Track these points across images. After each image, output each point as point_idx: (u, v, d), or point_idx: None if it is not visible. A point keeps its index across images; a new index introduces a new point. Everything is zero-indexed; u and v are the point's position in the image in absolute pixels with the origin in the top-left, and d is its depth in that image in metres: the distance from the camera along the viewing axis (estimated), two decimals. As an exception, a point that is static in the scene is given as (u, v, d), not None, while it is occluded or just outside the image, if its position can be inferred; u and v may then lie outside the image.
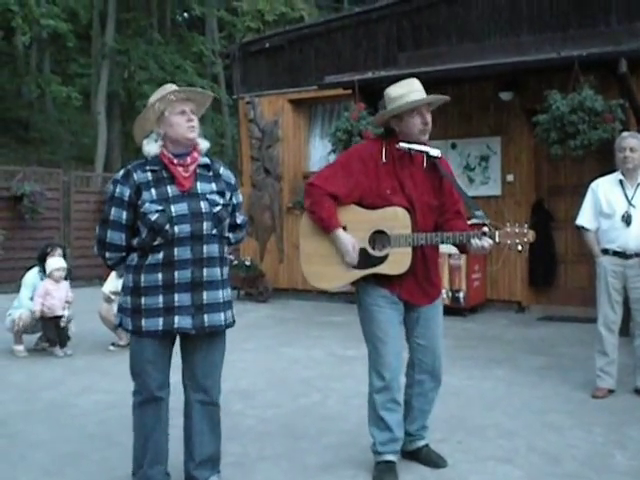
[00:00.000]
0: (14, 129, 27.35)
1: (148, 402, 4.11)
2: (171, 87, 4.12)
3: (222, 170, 4.25)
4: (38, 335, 8.85)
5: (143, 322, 3.99)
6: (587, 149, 9.10)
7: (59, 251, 8.81)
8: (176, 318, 3.97)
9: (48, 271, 8.54)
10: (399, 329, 4.61)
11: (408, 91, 4.50)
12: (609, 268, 6.36)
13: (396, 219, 4.43)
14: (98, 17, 27.33)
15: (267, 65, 14.00)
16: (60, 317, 8.43)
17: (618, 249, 6.29)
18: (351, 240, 4.44)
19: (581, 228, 6.58)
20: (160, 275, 3.95)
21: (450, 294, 10.71)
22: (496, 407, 6.12)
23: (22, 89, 28.49)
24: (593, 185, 6.59)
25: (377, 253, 4.45)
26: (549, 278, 11.44)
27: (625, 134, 6.52)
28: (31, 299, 8.52)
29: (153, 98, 4.10)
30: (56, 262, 8.63)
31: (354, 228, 4.47)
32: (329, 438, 5.34)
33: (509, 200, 11.26)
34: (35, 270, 8.77)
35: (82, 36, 28.50)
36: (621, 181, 6.35)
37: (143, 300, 3.98)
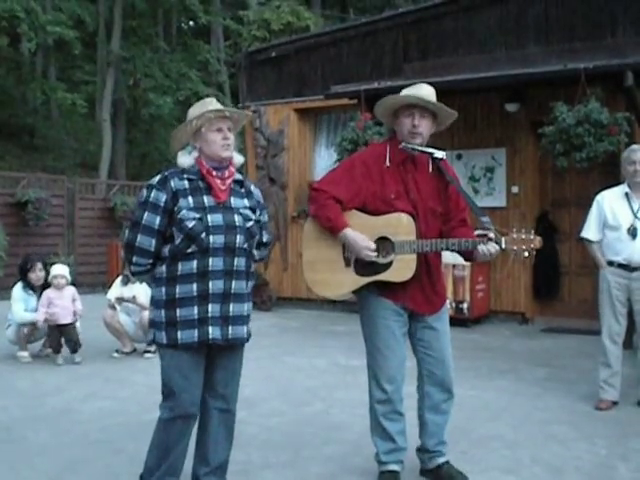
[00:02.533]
0: (19, 136, 27.38)
1: (178, 419, 4.05)
2: (211, 102, 4.15)
3: (253, 188, 4.32)
4: (42, 341, 8.85)
5: (179, 334, 3.97)
6: (593, 161, 9.10)
7: (39, 266, 8.74)
8: (210, 329, 3.97)
9: (50, 279, 8.51)
10: (401, 341, 4.57)
11: (413, 92, 4.51)
12: (613, 280, 6.36)
13: (400, 225, 4.41)
14: (104, 24, 27.37)
15: (273, 74, 14.02)
16: (66, 325, 8.38)
17: (623, 262, 6.29)
18: (361, 235, 4.41)
19: (585, 240, 6.57)
20: (195, 285, 3.96)
21: (454, 305, 10.70)
22: (500, 418, 6.12)
23: (27, 96, 28.50)
24: (598, 197, 6.59)
25: (381, 260, 4.42)
26: (553, 290, 11.43)
27: (635, 147, 6.49)
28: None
29: (192, 112, 4.12)
30: (57, 269, 8.61)
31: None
32: (333, 447, 5.34)
33: (514, 211, 11.26)
34: (19, 286, 8.72)
35: (88, 43, 28.55)
36: (627, 194, 6.35)
37: (178, 312, 3.97)
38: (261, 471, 4.85)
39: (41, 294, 8.57)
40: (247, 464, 4.94)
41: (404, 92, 4.55)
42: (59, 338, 8.37)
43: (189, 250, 3.95)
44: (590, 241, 6.52)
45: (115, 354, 8.78)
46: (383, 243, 4.43)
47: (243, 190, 4.23)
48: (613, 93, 9.53)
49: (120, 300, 8.83)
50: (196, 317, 3.96)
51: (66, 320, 8.39)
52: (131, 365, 8.31)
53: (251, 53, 14.67)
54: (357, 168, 4.52)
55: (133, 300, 8.71)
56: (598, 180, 10.78)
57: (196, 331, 3.96)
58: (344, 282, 4.54)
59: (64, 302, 8.45)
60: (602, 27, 10.78)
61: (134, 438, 5.46)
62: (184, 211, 3.95)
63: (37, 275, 8.67)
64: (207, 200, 4.03)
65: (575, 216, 11.16)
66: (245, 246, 4.09)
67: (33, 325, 8.48)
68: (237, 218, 4.06)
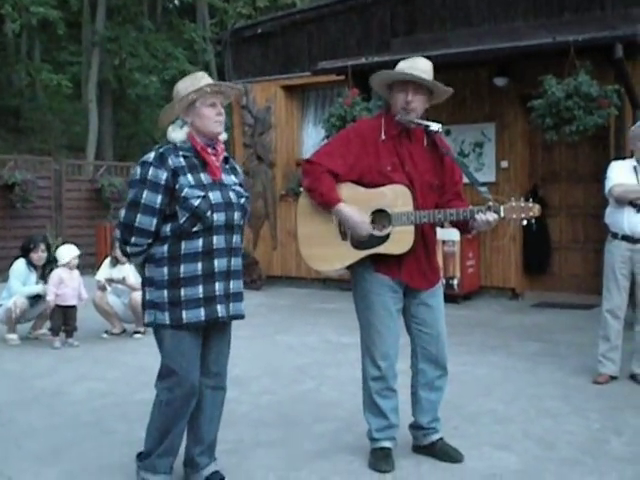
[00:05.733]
0: (4, 117, 27.23)
1: (178, 400, 4.00)
2: (203, 76, 4.09)
3: (235, 164, 4.31)
4: (31, 324, 8.81)
5: (184, 314, 3.91)
6: (582, 135, 9.06)
7: (42, 247, 8.70)
8: (218, 307, 3.96)
9: (66, 260, 8.39)
10: (396, 317, 4.53)
11: (409, 66, 4.43)
12: (617, 253, 6.35)
13: (397, 197, 4.35)
14: (88, 4, 27.14)
15: (259, 51, 13.93)
16: (70, 307, 8.33)
17: (627, 233, 6.27)
18: (355, 210, 4.35)
19: (616, 187, 6.30)
20: (200, 264, 3.92)
21: (444, 281, 10.67)
22: (491, 393, 6.11)
23: (12, 77, 28.33)
24: (613, 163, 6.59)
25: (378, 233, 4.37)
26: (543, 265, 11.44)
27: None
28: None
29: (185, 87, 4.03)
30: (70, 250, 8.54)
31: (353, 207, 4.39)
32: (324, 425, 5.32)
33: (503, 186, 11.21)
34: (22, 261, 8.68)
35: (72, 24, 28.33)
36: (635, 167, 6.34)
37: (183, 291, 3.91)
38: (252, 449, 4.83)
39: (42, 274, 8.61)
40: (238, 443, 4.91)
41: (400, 65, 4.48)
42: (62, 320, 8.29)
43: (195, 229, 3.90)
44: (621, 184, 6.33)
45: (104, 335, 8.75)
46: (380, 215, 4.38)
47: (228, 166, 4.20)
48: (602, 66, 9.46)
49: (110, 281, 8.79)
50: (202, 296, 3.92)
51: (73, 302, 8.35)
52: (121, 346, 8.28)
53: (237, 30, 14.55)
54: (353, 141, 4.46)
55: (123, 281, 8.68)
56: (588, 153, 10.80)
57: (202, 310, 3.92)
58: (341, 256, 4.48)
59: (74, 283, 8.41)
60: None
61: (124, 419, 5.44)
62: (187, 189, 3.87)
63: (39, 255, 8.64)
64: (204, 177, 3.98)
65: (565, 190, 11.18)
66: (241, 223, 4.10)
67: (33, 299, 8.48)
68: (232, 195, 4.04)
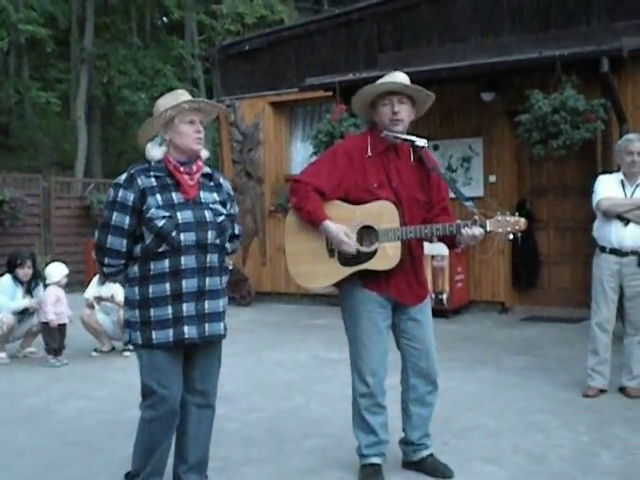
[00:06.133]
0: (-7, 135, 27.22)
1: (160, 418, 3.99)
2: (183, 93, 4.09)
3: (222, 180, 4.24)
4: (19, 342, 8.77)
5: (153, 334, 3.92)
6: (569, 149, 9.10)
7: (29, 263, 8.65)
8: (185, 328, 3.93)
9: (57, 279, 8.38)
10: (385, 333, 4.53)
11: (388, 79, 4.47)
12: (605, 267, 6.36)
13: (383, 213, 4.36)
14: (76, 22, 27.17)
15: (247, 68, 13.95)
16: (63, 325, 8.32)
17: (615, 247, 6.29)
18: (342, 228, 4.35)
19: (603, 201, 6.31)
20: (168, 285, 3.90)
21: (433, 296, 10.68)
22: (481, 408, 6.11)
23: (0, 95, 28.29)
24: (600, 177, 6.63)
25: (366, 249, 4.38)
26: (532, 279, 11.46)
27: (631, 136, 6.46)
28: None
29: (164, 103, 4.04)
30: (60, 269, 8.52)
31: (340, 224, 4.38)
32: (314, 441, 5.31)
33: (491, 201, 11.23)
34: (8, 276, 8.64)
35: (61, 41, 28.32)
36: (622, 181, 6.37)
37: (152, 312, 3.93)
38: (241, 467, 4.82)
39: (28, 289, 8.59)
40: (227, 460, 4.90)
41: (379, 81, 4.51)
42: (58, 339, 8.25)
43: (160, 249, 3.89)
44: (608, 198, 6.32)
45: (94, 353, 8.72)
46: (367, 232, 4.39)
47: (212, 183, 4.16)
48: (589, 80, 9.52)
49: (98, 299, 8.77)
50: (170, 317, 3.91)
51: (66, 320, 8.35)
52: (110, 364, 8.25)
53: (225, 47, 14.58)
54: (339, 159, 4.47)
55: (111, 299, 8.66)
56: (575, 168, 10.84)
57: (171, 331, 3.91)
58: (329, 273, 4.48)
59: (65, 301, 8.42)
60: (577, 14, 10.79)
61: (113, 437, 5.42)
62: (153, 210, 3.88)
63: (25, 272, 8.59)
64: (176, 197, 3.96)
65: (553, 204, 11.21)
66: (217, 242, 4.04)
67: (21, 315, 8.46)
68: (207, 214, 4.00)
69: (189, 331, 3.93)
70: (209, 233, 3.97)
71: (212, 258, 4.01)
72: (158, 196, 3.92)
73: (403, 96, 4.47)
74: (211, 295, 4.02)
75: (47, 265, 8.95)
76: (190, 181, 4.01)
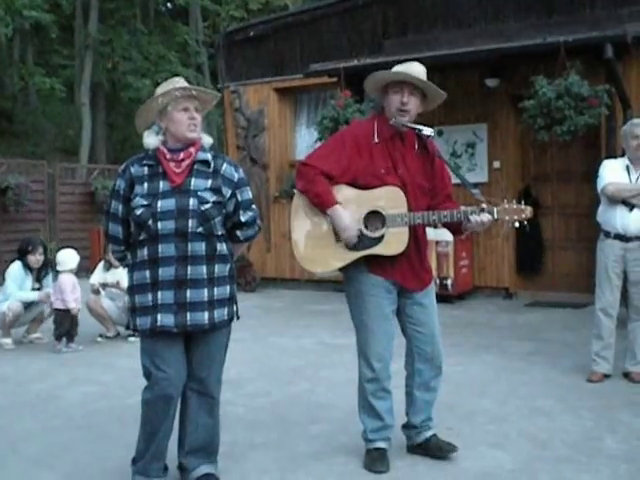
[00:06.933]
0: (-3, 121, 27.22)
1: (158, 400, 4.03)
2: (179, 81, 4.10)
3: (225, 166, 4.14)
4: (25, 328, 8.80)
5: (137, 320, 4.03)
6: (573, 135, 9.10)
7: (40, 249, 8.68)
8: (159, 316, 3.94)
9: (72, 265, 8.48)
10: (390, 318, 4.55)
11: (404, 69, 4.46)
12: (610, 252, 6.37)
13: (391, 199, 4.37)
14: (81, 7, 27.13)
15: (252, 54, 13.93)
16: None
17: (619, 232, 6.30)
18: (348, 215, 4.37)
19: (609, 186, 6.32)
20: (147, 272, 3.95)
21: (438, 281, 10.69)
22: (485, 393, 6.12)
23: (5, 81, 28.29)
24: (605, 162, 6.63)
25: (372, 234, 4.39)
26: (536, 264, 11.46)
27: (637, 121, 6.45)
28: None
29: (159, 91, 4.06)
30: (72, 255, 8.58)
31: (347, 209, 4.40)
32: (319, 426, 5.34)
33: (496, 187, 11.25)
34: (18, 264, 8.65)
35: (65, 27, 28.32)
36: (627, 166, 6.37)
37: (137, 298, 4.01)
38: (248, 451, 4.84)
39: (38, 277, 8.64)
40: (233, 445, 4.92)
41: (395, 69, 4.51)
42: (70, 325, 8.31)
43: (140, 237, 3.96)
44: (613, 183, 6.33)
45: (99, 338, 8.75)
46: (374, 217, 4.40)
47: (210, 170, 4.09)
48: (593, 66, 9.51)
49: (104, 285, 8.80)
50: (150, 304, 3.96)
51: (79, 306, 8.42)
52: (115, 349, 8.28)
53: (229, 33, 14.56)
54: (347, 143, 4.47)
55: (117, 285, 8.69)
56: (579, 153, 10.83)
57: (149, 318, 3.96)
58: (335, 257, 4.48)
59: (79, 288, 8.50)
60: (581, 0, 10.75)
61: (119, 422, 5.45)
62: (137, 198, 3.95)
63: (37, 258, 8.62)
64: (162, 185, 3.98)
65: (557, 190, 11.20)
66: (199, 230, 3.96)
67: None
68: (192, 201, 3.95)
69: (162, 319, 3.93)
70: (190, 221, 3.94)
71: (194, 247, 3.96)
72: (145, 185, 3.98)
73: (415, 88, 4.48)
74: (194, 284, 3.97)
75: (57, 252, 8.96)
76: (176, 168, 4.01)
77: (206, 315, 4.03)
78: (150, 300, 3.95)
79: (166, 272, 3.93)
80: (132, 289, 4.06)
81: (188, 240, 3.95)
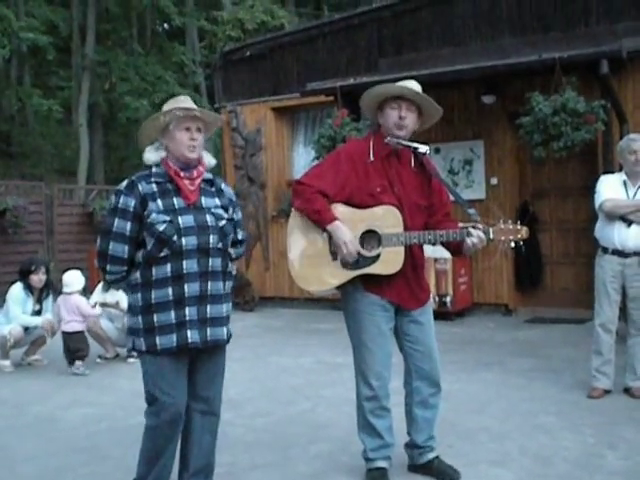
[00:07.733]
0: (-5, 143, 27.24)
1: (164, 425, 3.97)
2: (184, 100, 4.09)
3: (223, 186, 4.23)
4: (24, 350, 8.78)
5: (157, 340, 3.91)
6: (570, 150, 9.12)
7: (43, 269, 8.66)
8: (188, 332, 3.90)
9: (79, 287, 8.50)
10: (388, 336, 4.54)
11: (401, 85, 4.49)
12: (608, 267, 6.37)
13: (387, 218, 4.38)
14: (78, 29, 27.20)
15: (248, 73, 13.98)
16: (83, 332, 8.41)
17: (617, 248, 6.30)
18: (349, 231, 4.37)
19: (607, 202, 6.31)
20: (170, 289, 3.89)
21: (437, 299, 10.69)
22: (486, 410, 6.11)
23: (2, 103, 28.31)
24: (602, 178, 6.64)
25: (368, 253, 4.39)
26: (535, 280, 11.46)
27: (634, 136, 6.48)
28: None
29: (164, 108, 4.06)
30: (78, 276, 8.61)
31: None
32: (319, 446, 5.32)
33: (493, 203, 11.26)
34: (19, 285, 8.60)
35: (62, 49, 28.33)
36: (625, 182, 6.38)
37: (155, 317, 3.91)
38: (248, 472, 4.82)
39: (39, 298, 8.60)
40: (233, 466, 4.91)
41: (391, 85, 4.53)
42: (85, 345, 8.33)
43: (162, 254, 3.88)
44: (611, 199, 6.33)
45: (98, 360, 8.72)
46: (369, 236, 4.40)
47: (214, 189, 4.15)
48: (589, 82, 9.55)
49: (103, 305, 8.79)
50: (174, 322, 3.89)
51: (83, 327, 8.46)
52: (114, 370, 8.26)
53: (226, 53, 14.60)
54: (343, 162, 4.49)
55: (116, 305, 8.68)
56: (576, 169, 10.85)
57: (175, 336, 3.89)
58: (331, 276, 4.48)
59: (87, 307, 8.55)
60: (576, 16, 10.82)
61: (119, 444, 5.42)
62: (154, 214, 3.87)
63: (40, 277, 8.55)
64: (177, 202, 3.95)
65: (555, 206, 11.21)
66: (219, 246, 4.01)
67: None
68: (209, 218, 3.99)
69: (192, 335, 3.90)
70: (211, 237, 3.96)
71: (214, 262, 3.99)
72: (159, 201, 3.93)
73: (412, 104, 4.50)
74: (214, 299, 3.99)
75: (56, 273, 8.95)
76: (191, 186, 4.01)
77: (225, 330, 4.07)
78: (174, 318, 3.89)
79: (192, 288, 3.90)
80: (148, 308, 3.92)
81: (210, 256, 3.96)
